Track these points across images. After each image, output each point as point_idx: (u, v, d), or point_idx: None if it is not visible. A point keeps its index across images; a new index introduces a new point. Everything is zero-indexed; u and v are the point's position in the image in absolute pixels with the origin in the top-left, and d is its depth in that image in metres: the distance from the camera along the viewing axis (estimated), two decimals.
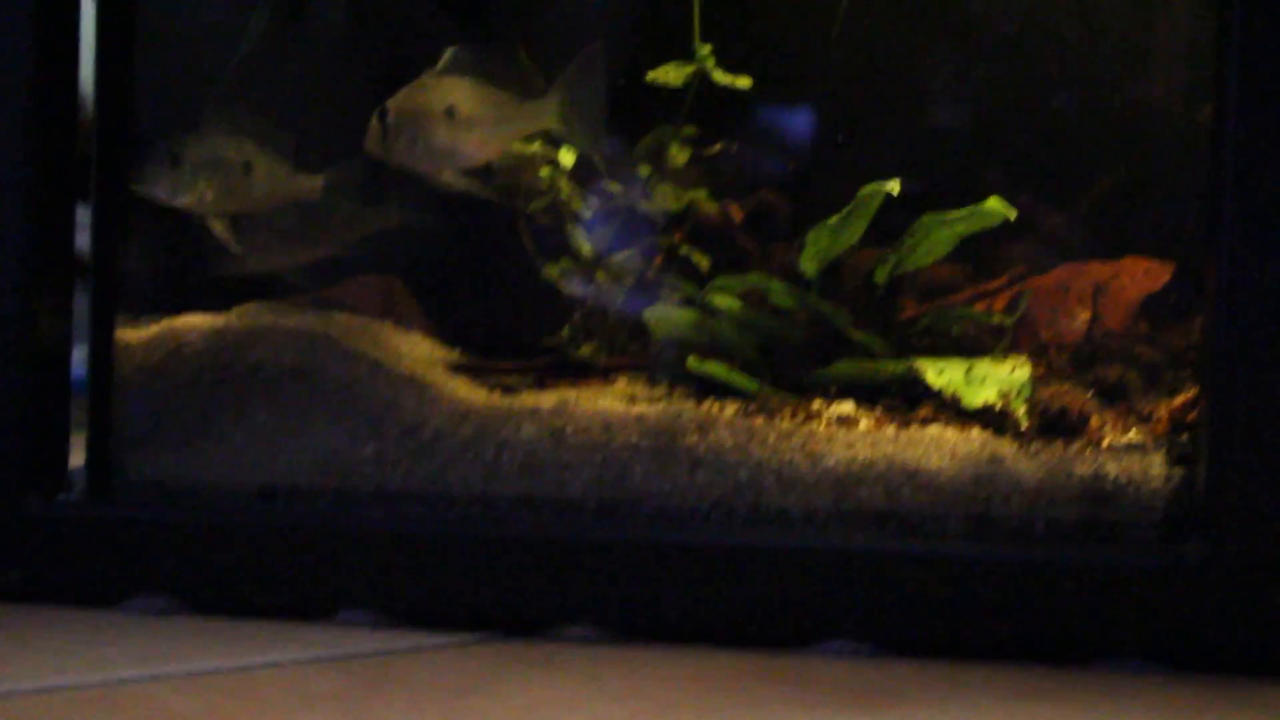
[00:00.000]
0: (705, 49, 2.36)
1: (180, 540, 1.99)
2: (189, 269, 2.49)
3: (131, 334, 2.18)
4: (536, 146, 2.28)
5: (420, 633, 1.91)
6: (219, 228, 2.27)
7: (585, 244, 2.35)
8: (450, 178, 2.24)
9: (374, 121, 2.16)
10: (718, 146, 2.44)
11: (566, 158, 2.30)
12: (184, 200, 2.22)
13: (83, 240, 2.15)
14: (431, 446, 2.03)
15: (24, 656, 1.77)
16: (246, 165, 2.26)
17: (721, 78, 2.36)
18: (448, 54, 2.19)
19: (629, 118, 2.39)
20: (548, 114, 2.19)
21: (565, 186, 2.33)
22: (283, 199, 2.33)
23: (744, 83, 2.36)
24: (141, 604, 1.99)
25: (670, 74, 2.36)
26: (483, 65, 2.19)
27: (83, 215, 2.13)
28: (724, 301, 2.22)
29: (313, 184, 2.31)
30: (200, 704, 1.59)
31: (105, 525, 2.02)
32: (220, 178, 2.23)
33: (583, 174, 2.35)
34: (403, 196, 2.40)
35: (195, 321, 2.19)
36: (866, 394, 2.11)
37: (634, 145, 2.41)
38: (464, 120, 2.17)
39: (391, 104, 2.15)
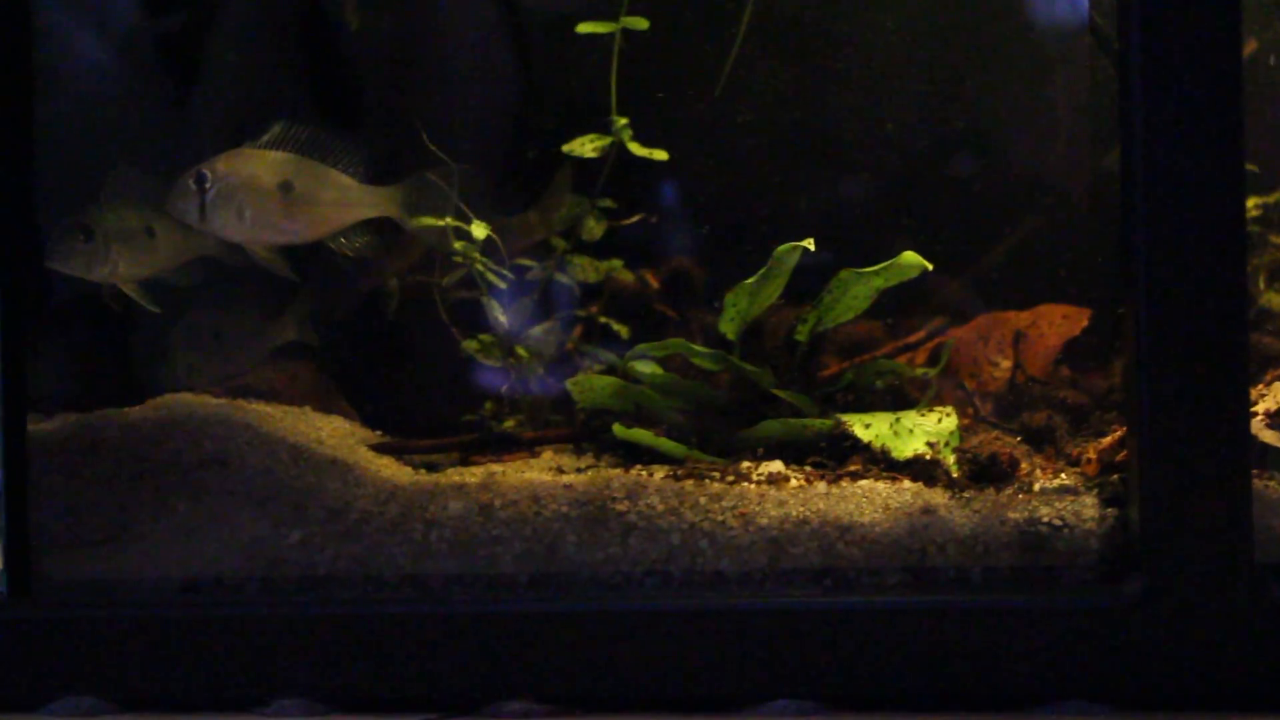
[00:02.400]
0: (622, 121, 2.36)
1: (105, 639, 1.95)
2: (104, 367, 2.46)
3: (46, 431, 2.14)
4: (449, 219, 2.26)
5: (357, 717, 1.87)
6: (132, 291, 2.24)
7: (503, 317, 2.34)
8: (262, 251, 2.21)
9: (189, 184, 2.13)
10: (635, 218, 2.44)
11: (479, 231, 2.27)
12: (100, 273, 2.21)
13: None
14: (358, 528, 2.00)
15: None
16: (149, 230, 2.24)
17: (638, 150, 2.36)
18: (277, 127, 2.18)
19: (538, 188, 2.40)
20: (390, 203, 2.19)
21: (478, 260, 2.31)
22: (182, 258, 2.32)
23: (660, 155, 2.36)
24: (67, 706, 1.93)
25: (586, 146, 2.36)
26: (318, 143, 2.18)
27: None
28: (646, 368, 2.21)
29: (202, 240, 2.30)
30: None
31: (26, 627, 1.97)
32: (129, 246, 2.22)
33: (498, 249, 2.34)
34: (299, 312, 2.39)
35: (110, 416, 2.15)
36: (794, 452, 2.11)
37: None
38: (300, 197, 2.15)
39: (212, 170, 2.12)
